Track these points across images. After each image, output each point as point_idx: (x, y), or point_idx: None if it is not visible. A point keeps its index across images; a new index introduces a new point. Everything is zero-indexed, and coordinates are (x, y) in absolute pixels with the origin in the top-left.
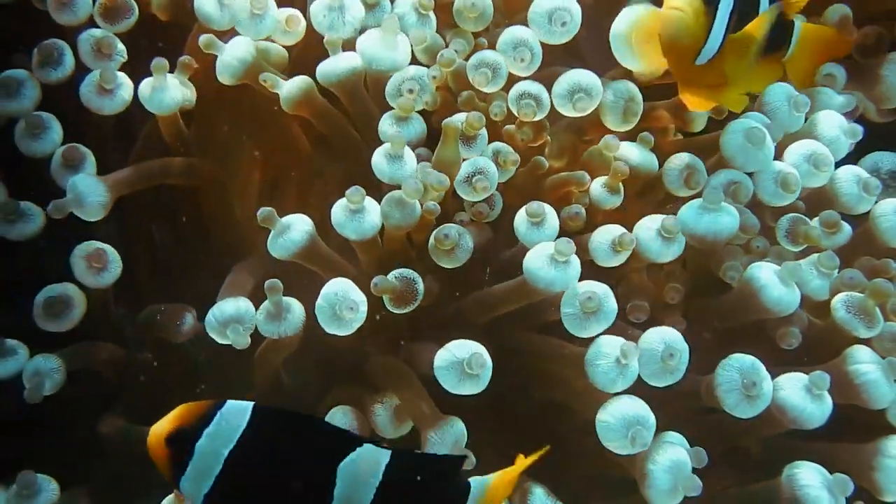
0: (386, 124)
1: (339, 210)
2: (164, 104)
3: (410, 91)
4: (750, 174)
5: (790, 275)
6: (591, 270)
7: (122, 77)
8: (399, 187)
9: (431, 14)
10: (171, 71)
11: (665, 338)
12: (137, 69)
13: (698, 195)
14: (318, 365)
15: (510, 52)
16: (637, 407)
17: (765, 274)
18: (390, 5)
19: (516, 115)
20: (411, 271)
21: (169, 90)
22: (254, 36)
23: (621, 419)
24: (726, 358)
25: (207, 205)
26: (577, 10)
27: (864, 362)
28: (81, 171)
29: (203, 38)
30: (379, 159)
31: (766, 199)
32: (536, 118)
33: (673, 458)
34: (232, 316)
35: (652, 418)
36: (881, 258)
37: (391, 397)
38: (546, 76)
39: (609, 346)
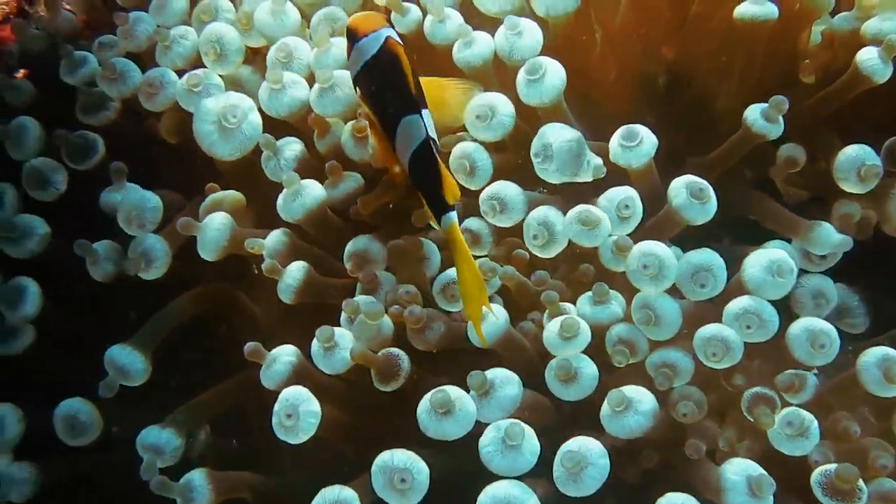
0: None
1: (314, 345)
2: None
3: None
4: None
5: (761, 487)
6: None
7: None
8: None
9: None
10: None
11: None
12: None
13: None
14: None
15: (455, 163)
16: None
17: (735, 476)
18: None
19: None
20: (396, 349)
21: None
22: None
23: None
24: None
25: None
26: (504, 106)
27: None
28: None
29: (181, 223)
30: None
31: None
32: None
33: None
34: (153, 444)
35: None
36: (859, 407)
37: None
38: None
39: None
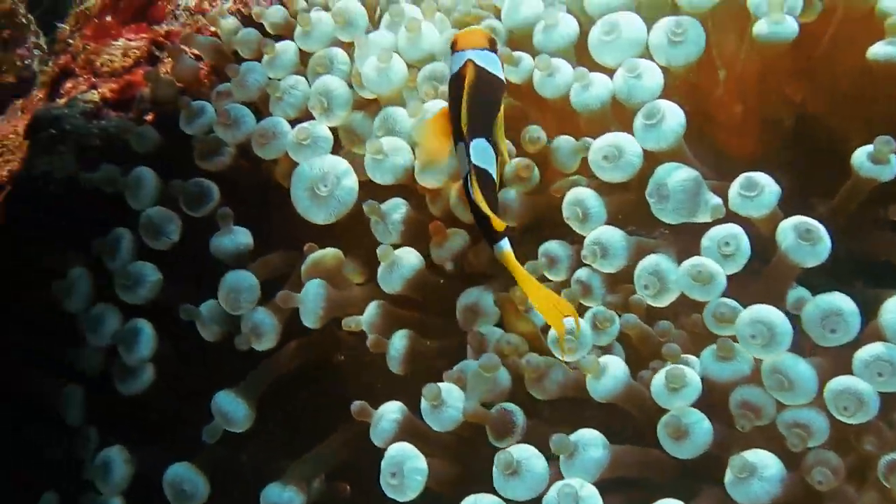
0: None
1: (423, 403)
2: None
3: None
4: None
5: None
6: None
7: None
8: None
9: None
10: None
11: None
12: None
13: None
14: None
15: (568, 210)
16: None
17: None
18: None
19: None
20: (510, 404)
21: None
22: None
23: None
24: None
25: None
26: (631, 145)
27: None
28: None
29: (280, 297)
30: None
31: None
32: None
33: None
34: None
35: None
36: None
37: None
38: None
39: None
